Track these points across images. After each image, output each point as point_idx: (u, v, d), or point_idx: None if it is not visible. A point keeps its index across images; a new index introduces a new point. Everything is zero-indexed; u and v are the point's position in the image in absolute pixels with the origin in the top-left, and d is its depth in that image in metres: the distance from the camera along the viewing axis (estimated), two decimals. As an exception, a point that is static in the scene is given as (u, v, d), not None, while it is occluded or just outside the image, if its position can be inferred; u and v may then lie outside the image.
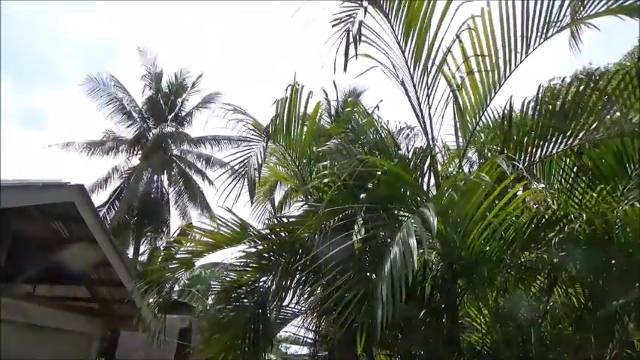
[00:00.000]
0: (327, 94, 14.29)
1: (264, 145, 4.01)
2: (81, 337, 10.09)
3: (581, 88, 4.14)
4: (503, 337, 4.62)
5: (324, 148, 3.81)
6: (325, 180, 3.47)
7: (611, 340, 4.65)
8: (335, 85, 5.45)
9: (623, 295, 3.45)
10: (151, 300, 4.95)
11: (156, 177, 21.68)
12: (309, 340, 5.70)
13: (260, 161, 3.88)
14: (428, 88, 4.51)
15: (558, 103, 4.20)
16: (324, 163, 3.83)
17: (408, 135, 5.46)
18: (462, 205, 2.85)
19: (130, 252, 19.79)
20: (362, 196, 3.22)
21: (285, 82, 4.55)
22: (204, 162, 22.05)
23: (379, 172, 3.20)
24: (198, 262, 4.63)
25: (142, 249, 20.31)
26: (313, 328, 4.83)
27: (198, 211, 21.51)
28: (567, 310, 4.71)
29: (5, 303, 7.80)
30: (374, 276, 2.59)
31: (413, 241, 2.25)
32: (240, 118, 4.23)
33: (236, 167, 4.26)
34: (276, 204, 7.82)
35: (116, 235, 18.01)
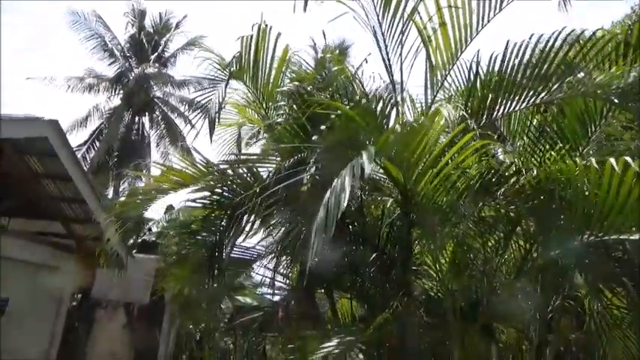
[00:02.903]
0: (315, 44, 14.06)
1: (227, 82, 3.99)
2: (56, 272, 10.22)
3: (548, 46, 4.15)
4: (457, 285, 4.85)
5: (283, 89, 3.82)
6: (279, 120, 3.50)
7: (555, 292, 4.93)
8: (324, 36, 5.36)
9: (563, 247, 3.62)
10: (130, 240, 5.02)
11: (137, 119, 21.39)
12: (273, 281, 5.90)
13: (221, 99, 3.88)
14: (401, 34, 4.48)
15: (525, 60, 4.23)
16: (281, 103, 3.85)
17: (379, 88, 5.46)
18: (411, 150, 2.93)
19: (110, 193, 19.79)
20: (314, 137, 3.28)
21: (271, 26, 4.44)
22: (187, 106, 21.72)
23: (333, 116, 3.24)
24: (167, 200, 4.69)
25: (122, 190, 20.30)
26: (273, 268, 5.00)
27: (180, 155, 21.41)
28: (518, 263, 4.94)
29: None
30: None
31: (349, 180, 2.33)
32: (206, 57, 4.19)
33: (202, 107, 4.27)
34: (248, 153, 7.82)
35: (96, 176, 17.96)
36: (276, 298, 6.80)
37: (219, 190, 4.00)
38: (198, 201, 4.11)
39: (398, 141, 2.90)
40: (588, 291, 4.93)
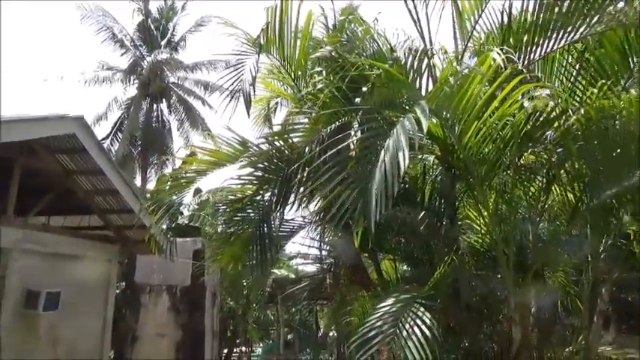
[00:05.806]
0: (323, 10, 13.75)
1: (257, 56, 3.93)
2: (101, 262, 10.52)
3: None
4: (502, 236, 4.79)
5: (317, 54, 3.73)
6: (319, 86, 3.43)
7: (606, 232, 4.82)
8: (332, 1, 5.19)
9: (617, 185, 3.52)
10: (164, 225, 5.10)
11: (155, 106, 21.48)
12: (315, 250, 5.94)
13: (254, 73, 3.83)
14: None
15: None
16: (318, 69, 3.77)
17: (405, 41, 5.30)
18: (457, 102, 2.84)
19: (138, 181, 20.09)
20: (357, 100, 3.21)
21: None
22: (202, 88, 21.69)
23: (374, 76, 3.16)
24: (202, 181, 4.71)
25: (149, 178, 20.60)
26: (318, 238, 5.02)
27: (201, 137, 21.56)
28: (564, 207, 4.84)
29: (24, 233, 8.09)
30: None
31: (405, 139, 2.27)
32: (231, 33, 4.11)
33: (231, 83, 4.21)
34: (279, 124, 7.77)
35: (122, 167, 18.22)
36: (313, 268, 6.86)
37: (262, 166, 3.99)
38: (244, 178, 4.11)
39: (443, 94, 2.82)
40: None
